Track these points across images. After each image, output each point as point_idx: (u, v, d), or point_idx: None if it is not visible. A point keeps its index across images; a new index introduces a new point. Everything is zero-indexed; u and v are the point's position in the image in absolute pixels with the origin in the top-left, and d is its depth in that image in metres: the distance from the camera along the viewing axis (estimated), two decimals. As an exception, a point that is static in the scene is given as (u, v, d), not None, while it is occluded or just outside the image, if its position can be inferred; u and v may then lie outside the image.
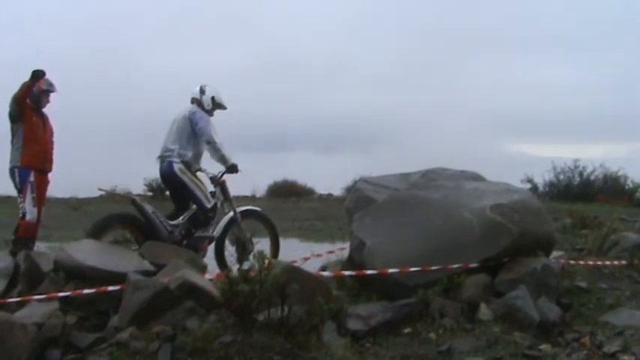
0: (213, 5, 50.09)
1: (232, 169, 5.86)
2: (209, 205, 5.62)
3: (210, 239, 5.84)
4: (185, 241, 5.65)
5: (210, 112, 5.91)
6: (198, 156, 5.78)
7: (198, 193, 5.58)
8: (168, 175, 5.61)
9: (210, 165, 5.98)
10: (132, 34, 42.20)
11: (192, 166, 5.69)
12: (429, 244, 4.62)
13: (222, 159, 5.76)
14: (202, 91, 5.89)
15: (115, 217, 5.54)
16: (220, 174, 5.98)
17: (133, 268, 4.23)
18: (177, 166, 5.52)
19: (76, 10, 40.30)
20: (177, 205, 5.89)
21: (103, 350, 3.23)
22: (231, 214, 5.99)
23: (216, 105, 5.95)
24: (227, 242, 6.07)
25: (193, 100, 5.89)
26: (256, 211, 6.38)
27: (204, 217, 5.66)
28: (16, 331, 3.15)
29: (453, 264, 4.34)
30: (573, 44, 47.57)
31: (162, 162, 5.67)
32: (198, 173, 5.87)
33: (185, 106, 5.87)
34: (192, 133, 5.65)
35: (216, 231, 5.91)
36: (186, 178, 5.54)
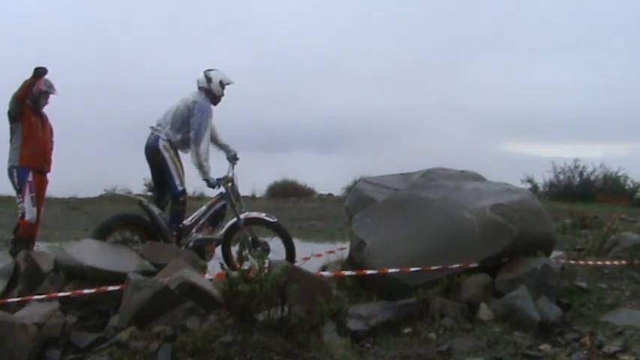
0: (212, 6, 50.07)
1: (208, 184, 5.69)
2: (180, 188, 5.58)
3: (218, 241, 5.80)
4: (192, 243, 5.63)
5: (219, 98, 5.82)
6: (186, 142, 5.67)
7: (174, 173, 5.58)
8: (152, 149, 5.63)
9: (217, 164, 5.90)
10: (131, 35, 42.15)
11: (177, 149, 5.67)
12: (429, 244, 4.62)
13: (198, 166, 5.57)
14: (209, 79, 5.74)
15: (120, 218, 5.56)
16: (229, 174, 5.86)
17: (133, 268, 4.24)
18: (163, 143, 5.56)
19: (76, 11, 40.24)
20: (157, 186, 5.89)
21: (103, 350, 3.23)
22: (236, 219, 5.79)
23: (225, 87, 5.83)
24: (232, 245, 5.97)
25: (201, 89, 5.77)
26: (268, 221, 5.96)
27: (176, 204, 5.57)
28: (16, 331, 3.15)
29: (453, 264, 4.34)
30: (574, 44, 47.61)
31: (151, 134, 5.69)
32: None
33: (193, 93, 5.78)
34: (188, 120, 5.61)
35: (221, 234, 5.84)
36: (167, 155, 5.57)
